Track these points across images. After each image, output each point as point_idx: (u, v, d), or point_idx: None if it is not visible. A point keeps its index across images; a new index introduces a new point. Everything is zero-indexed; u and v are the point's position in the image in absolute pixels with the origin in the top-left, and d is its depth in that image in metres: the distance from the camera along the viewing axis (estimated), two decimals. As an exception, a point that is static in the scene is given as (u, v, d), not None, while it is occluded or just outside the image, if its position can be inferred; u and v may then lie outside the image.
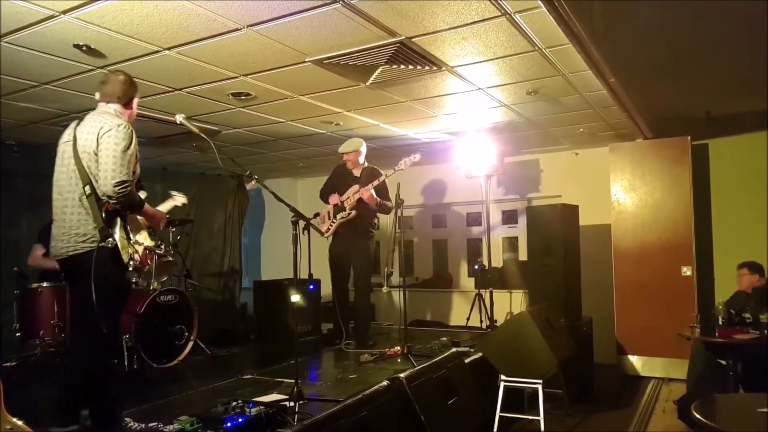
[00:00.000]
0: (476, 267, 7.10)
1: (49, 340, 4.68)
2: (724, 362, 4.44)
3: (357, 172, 5.48)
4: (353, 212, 5.35)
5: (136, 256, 3.08)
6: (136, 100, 3.19)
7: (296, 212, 3.48)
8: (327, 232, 5.45)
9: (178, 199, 4.05)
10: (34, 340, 4.70)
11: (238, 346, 5.97)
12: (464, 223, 8.06)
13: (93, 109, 3.11)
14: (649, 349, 5.88)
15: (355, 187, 5.37)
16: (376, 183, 5.26)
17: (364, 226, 5.39)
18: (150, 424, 3.11)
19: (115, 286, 2.96)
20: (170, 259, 5.46)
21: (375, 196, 5.26)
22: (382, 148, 6.62)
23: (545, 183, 7.26)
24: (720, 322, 4.46)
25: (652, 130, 5.98)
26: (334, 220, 5.40)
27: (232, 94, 4.43)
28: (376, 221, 5.54)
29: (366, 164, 5.53)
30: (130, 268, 3.03)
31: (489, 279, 6.58)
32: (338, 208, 5.45)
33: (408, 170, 8.12)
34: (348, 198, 5.40)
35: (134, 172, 3.04)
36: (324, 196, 5.62)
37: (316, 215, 5.66)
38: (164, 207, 3.89)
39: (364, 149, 5.48)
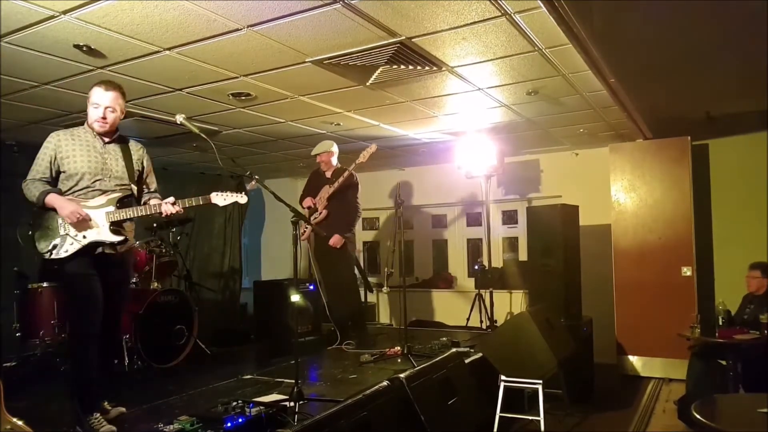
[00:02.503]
0: (476, 267, 7.10)
1: (49, 340, 4.68)
2: (724, 362, 4.44)
3: (329, 173, 5.53)
4: (324, 212, 5.39)
5: (73, 246, 3.05)
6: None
7: (296, 212, 3.48)
8: (303, 235, 5.53)
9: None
10: (34, 340, 4.70)
11: (238, 346, 5.96)
12: (464, 223, 8.07)
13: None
14: (649, 349, 5.88)
15: (326, 188, 5.42)
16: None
17: (339, 226, 5.36)
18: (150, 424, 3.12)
19: (65, 277, 3.13)
20: (170, 259, 5.47)
21: (342, 237, 5.28)
22: (383, 149, 6.60)
23: (545, 183, 7.26)
24: (720, 322, 4.46)
25: (652, 130, 5.98)
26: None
27: (232, 94, 4.43)
28: (354, 222, 5.53)
29: (339, 165, 5.56)
30: (48, 256, 3.05)
31: (489, 279, 6.57)
32: (312, 210, 5.50)
33: (408, 170, 8.22)
34: (320, 199, 5.44)
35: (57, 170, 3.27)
36: (300, 201, 5.65)
37: None
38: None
39: (335, 149, 5.53)
